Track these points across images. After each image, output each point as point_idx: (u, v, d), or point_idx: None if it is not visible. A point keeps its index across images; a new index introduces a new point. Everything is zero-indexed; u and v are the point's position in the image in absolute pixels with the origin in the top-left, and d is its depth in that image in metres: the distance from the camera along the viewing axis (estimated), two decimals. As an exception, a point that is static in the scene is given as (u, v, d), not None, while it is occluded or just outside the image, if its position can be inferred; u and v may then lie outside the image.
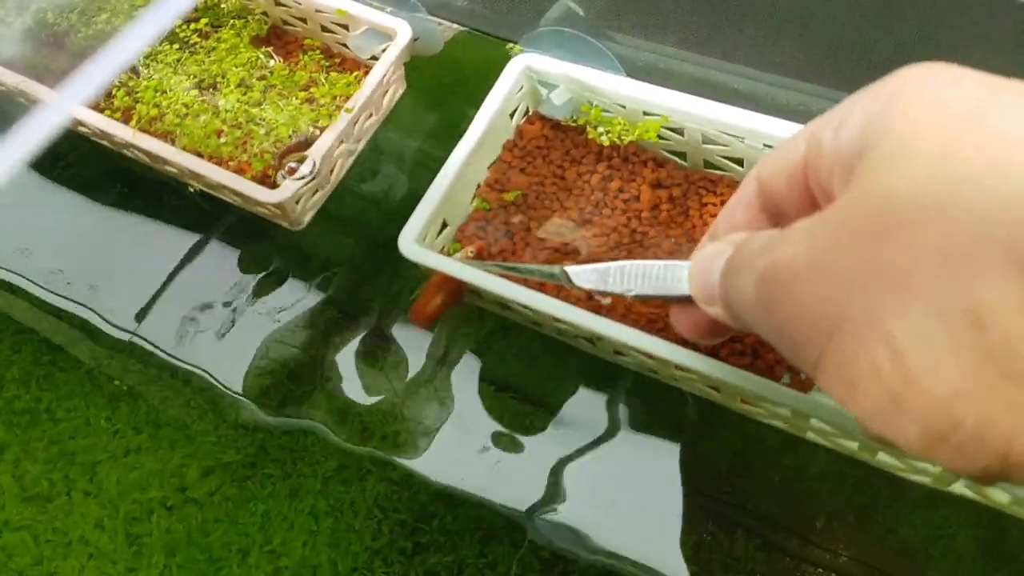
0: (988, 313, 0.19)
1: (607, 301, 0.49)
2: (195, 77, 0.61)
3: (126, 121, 0.59)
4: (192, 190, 0.60)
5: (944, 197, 0.21)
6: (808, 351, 0.23)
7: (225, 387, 0.59)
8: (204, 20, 0.64)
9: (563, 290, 0.51)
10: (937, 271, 0.20)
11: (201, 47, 0.63)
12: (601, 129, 0.54)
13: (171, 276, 0.63)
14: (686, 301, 0.33)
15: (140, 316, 0.62)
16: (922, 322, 0.20)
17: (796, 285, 0.23)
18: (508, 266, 0.45)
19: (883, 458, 0.44)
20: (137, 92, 0.60)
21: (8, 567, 0.55)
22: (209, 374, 0.59)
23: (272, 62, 0.62)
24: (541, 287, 0.49)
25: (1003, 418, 0.19)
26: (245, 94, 0.60)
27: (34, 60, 0.63)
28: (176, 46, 0.63)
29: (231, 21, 0.64)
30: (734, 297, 0.27)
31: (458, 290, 0.51)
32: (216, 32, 0.64)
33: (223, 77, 0.61)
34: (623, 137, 0.54)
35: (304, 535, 0.54)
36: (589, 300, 0.50)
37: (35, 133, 0.25)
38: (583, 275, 0.38)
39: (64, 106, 0.26)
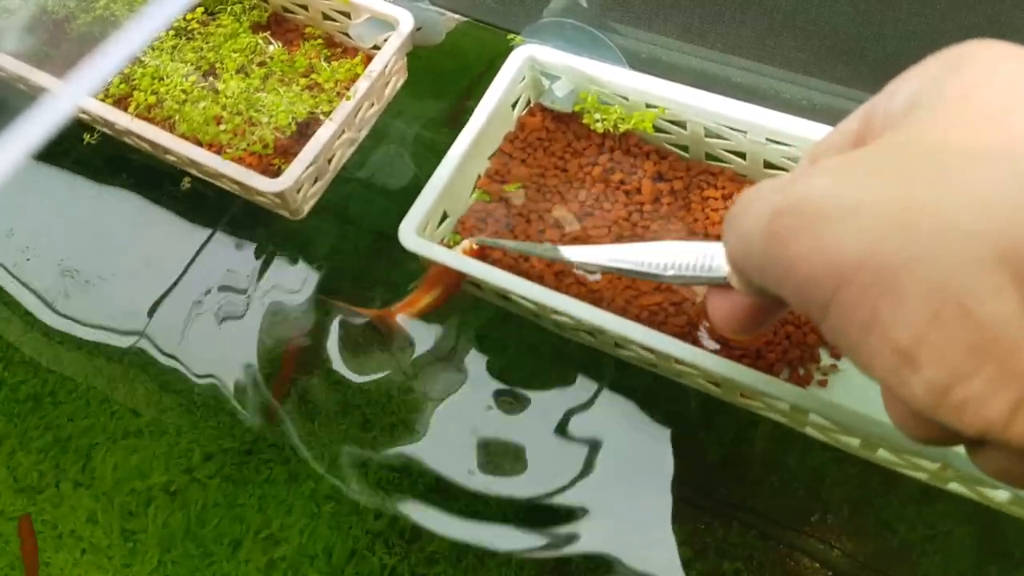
0: (1012, 290, 0.19)
1: (596, 277, 0.48)
2: (192, 64, 0.61)
3: (124, 109, 0.58)
4: (186, 187, 0.60)
5: (995, 152, 0.20)
6: (820, 292, 0.22)
7: (224, 376, 0.59)
8: (200, 9, 0.63)
9: (563, 282, 0.51)
10: (973, 223, 0.19)
11: (199, 33, 0.62)
12: (598, 116, 0.54)
13: (171, 266, 0.63)
14: (723, 286, 0.31)
15: (140, 306, 0.62)
16: (948, 279, 0.19)
17: (819, 220, 0.22)
18: (526, 247, 0.44)
19: (883, 454, 0.45)
20: (134, 79, 0.60)
21: (6, 551, 0.55)
22: (209, 361, 0.59)
23: (271, 47, 0.62)
24: (541, 279, 0.49)
25: (1012, 384, 0.19)
26: (245, 80, 0.59)
27: (34, 47, 0.63)
28: (173, 32, 0.62)
29: (230, 7, 0.64)
30: (740, 235, 0.25)
31: (455, 283, 0.51)
32: (214, 19, 0.64)
33: (221, 63, 0.61)
34: (619, 125, 0.53)
35: (305, 519, 0.54)
36: (585, 293, 0.49)
37: (37, 122, 0.25)
38: (609, 257, 0.37)
39: (66, 95, 0.26)
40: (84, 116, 0.61)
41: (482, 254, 0.51)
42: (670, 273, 0.34)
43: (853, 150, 0.26)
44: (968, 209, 0.19)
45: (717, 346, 0.48)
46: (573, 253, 0.40)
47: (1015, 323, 0.19)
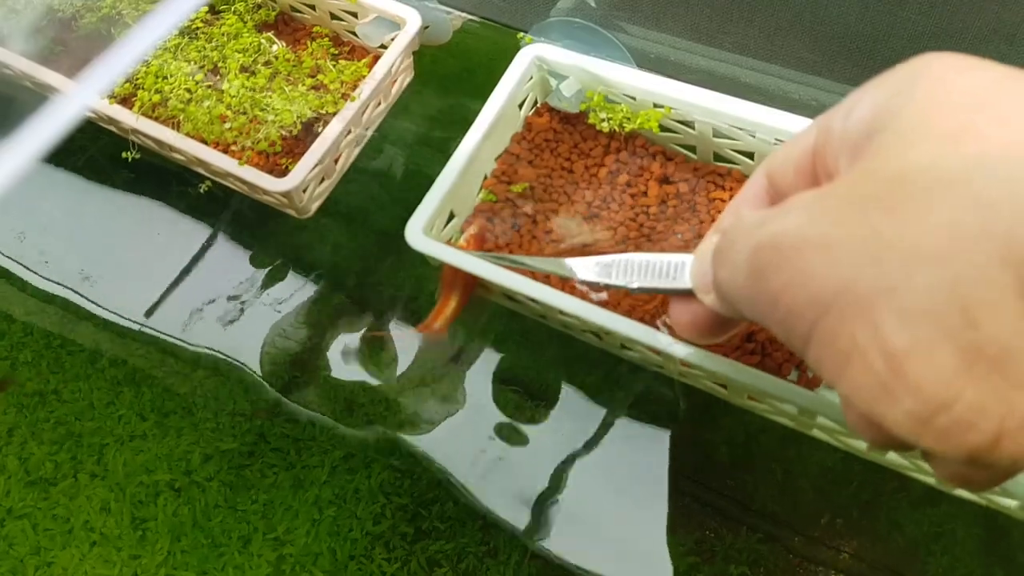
0: (982, 310, 0.19)
1: (602, 296, 0.49)
2: (196, 63, 0.60)
3: (128, 109, 0.58)
4: (204, 189, 0.60)
5: (954, 176, 0.21)
6: (801, 324, 0.22)
7: (230, 374, 0.59)
8: (205, 8, 0.63)
9: (569, 283, 0.51)
10: (940, 252, 0.20)
11: (203, 32, 0.62)
12: (603, 115, 0.54)
13: (177, 265, 0.63)
14: (687, 295, 0.33)
15: (146, 305, 0.62)
16: (920, 304, 0.20)
17: (795, 254, 0.22)
18: (512, 258, 0.45)
19: (892, 457, 0.44)
20: (137, 78, 0.60)
21: (9, 554, 0.55)
22: (213, 361, 0.59)
23: (275, 47, 0.62)
24: (547, 280, 0.48)
25: (994, 406, 0.19)
26: (250, 80, 0.59)
27: (40, 45, 0.63)
28: (176, 31, 0.62)
29: (234, 6, 0.64)
30: (726, 271, 0.26)
31: (472, 281, 0.51)
32: (218, 18, 0.64)
33: (224, 63, 0.60)
34: (624, 125, 0.53)
35: (307, 523, 0.54)
36: (586, 294, 0.49)
37: (46, 122, 0.25)
38: (586, 268, 0.38)
39: (76, 96, 0.26)
40: (90, 115, 0.61)
41: (486, 251, 0.51)
42: (635, 285, 0.36)
43: (809, 165, 0.28)
44: (933, 239, 0.20)
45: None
46: (544, 264, 0.42)
47: (991, 345, 0.19)
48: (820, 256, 0.22)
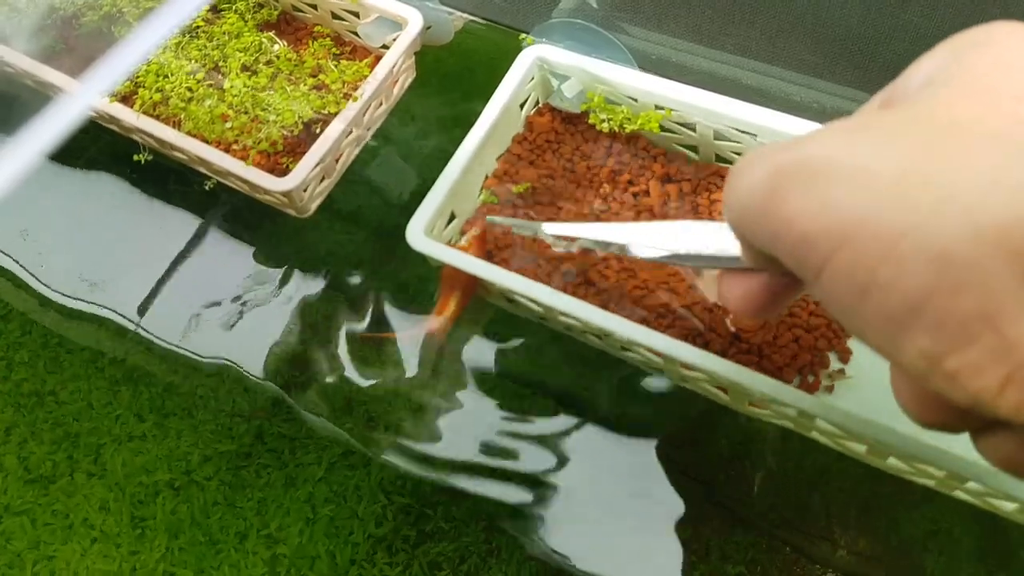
0: (1010, 266, 0.19)
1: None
2: (197, 62, 0.60)
3: (129, 107, 0.58)
4: (209, 187, 0.59)
5: (1002, 130, 0.20)
6: (815, 253, 0.22)
7: (229, 374, 0.59)
8: (206, 8, 0.63)
9: (571, 284, 0.51)
10: (977, 199, 0.19)
11: (204, 31, 0.62)
12: (603, 116, 0.54)
13: (176, 264, 0.63)
14: (736, 268, 0.30)
15: (145, 305, 0.62)
16: (949, 247, 0.19)
17: (821, 178, 0.22)
18: (554, 227, 0.40)
19: (892, 462, 0.44)
20: (138, 77, 0.60)
21: (7, 549, 0.55)
22: (213, 361, 0.59)
23: (276, 46, 0.62)
24: (548, 280, 0.48)
25: (1006, 354, 0.19)
26: (251, 79, 0.59)
27: (42, 44, 0.62)
28: (177, 30, 0.62)
29: (235, 5, 0.64)
30: (742, 187, 0.24)
31: (472, 282, 0.51)
32: (220, 17, 0.64)
33: (225, 62, 0.60)
34: (625, 126, 0.53)
35: (300, 522, 0.54)
36: (592, 295, 0.49)
37: (47, 121, 0.25)
38: (642, 242, 0.35)
39: (77, 94, 0.26)
40: (91, 114, 0.61)
41: (488, 256, 0.51)
42: (686, 252, 0.32)
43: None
44: (972, 185, 0.20)
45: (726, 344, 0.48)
46: (582, 231, 0.38)
47: (1010, 298, 0.19)
48: (848, 183, 0.21)
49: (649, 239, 0.34)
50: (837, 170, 0.21)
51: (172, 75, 0.59)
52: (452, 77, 0.66)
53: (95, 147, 0.67)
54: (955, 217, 0.19)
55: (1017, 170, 0.19)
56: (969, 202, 0.19)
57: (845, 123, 0.23)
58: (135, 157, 0.59)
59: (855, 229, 0.21)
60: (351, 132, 0.57)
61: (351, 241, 0.62)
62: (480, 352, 0.57)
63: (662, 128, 0.52)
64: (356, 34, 0.62)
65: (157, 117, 0.58)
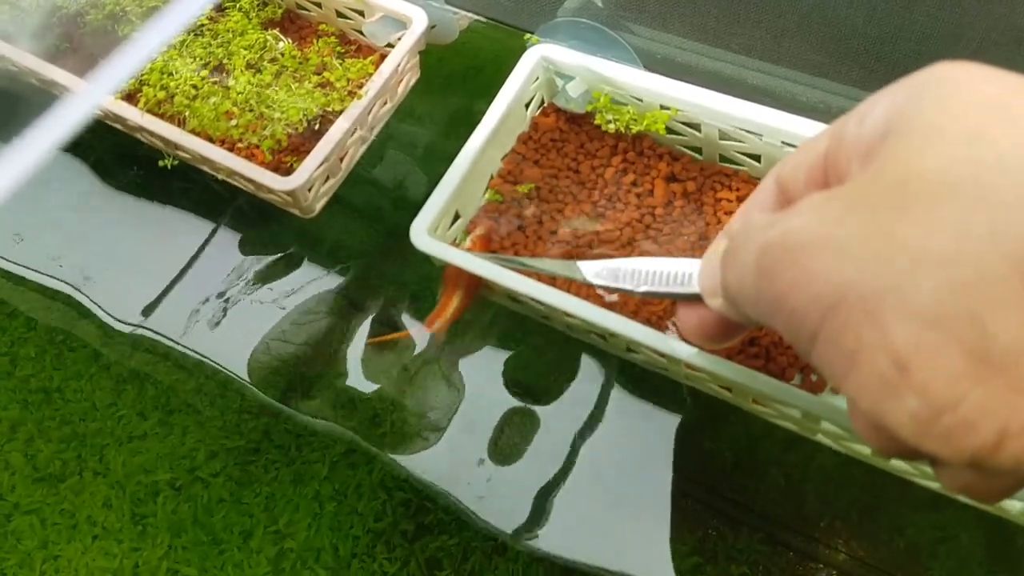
0: (989, 311, 0.19)
1: (613, 298, 0.49)
2: (201, 60, 0.60)
3: (133, 105, 0.58)
4: (214, 186, 0.59)
5: (965, 178, 0.21)
6: (807, 324, 0.22)
7: (232, 374, 0.59)
8: (211, 7, 0.63)
9: (574, 285, 0.50)
10: (948, 253, 0.20)
11: (208, 29, 0.62)
12: (609, 117, 0.54)
13: (180, 264, 0.63)
14: (695, 300, 0.33)
15: (148, 305, 0.62)
16: (927, 305, 0.20)
17: (802, 253, 0.22)
18: (519, 260, 0.45)
19: (896, 463, 0.44)
20: (142, 75, 0.60)
21: (17, 548, 0.56)
22: (216, 361, 0.59)
23: (281, 44, 0.62)
24: (552, 281, 0.48)
25: (998, 408, 0.19)
26: (256, 76, 0.59)
27: (46, 42, 0.63)
28: (182, 28, 0.62)
29: (239, 3, 0.64)
30: (734, 272, 0.26)
31: (476, 282, 0.51)
32: (224, 15, 0.63)
33: (230, 60, 0.60)
34: (631, 127, 0.53)
35: (308, 517, 0.54)
36: (597, 296, 0.49)
37: (52, 120, 0.25)
38: (595, 271, 0.38)
39: (82, 93, 0.26)
40: (96, 112, 0.61)
41: (492, 252, 0.51)
42: (643, 289, 0.36)
43: (820, 170, 0.28)
44: (941, 240, 0.20)
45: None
46: (553, 267, 0.42)
47: (997, 347, 0.19)
48: (827, 255, 0.22)
49: (609, 275, 0.38)
50: (814, 243, 0.22)
51: (177, 73, 0.59)
52: (456, 76, 0.66)
53: (100, 146, 0.67)
54: (930, 276, 0.20)
55: (982, 221, 0.20)
56: (942, 258, 0.20)
57: (818, 196, 0.24)
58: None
59: (839, 297, 0.21)
60: (355, 131, 0.57)
61: (355, 241, 0.63)
62: (482, 351, 0.57)
63: (667, 129, 0.52)
64: (361, 32, 0.62)
65: (162, 115, 0.58)
